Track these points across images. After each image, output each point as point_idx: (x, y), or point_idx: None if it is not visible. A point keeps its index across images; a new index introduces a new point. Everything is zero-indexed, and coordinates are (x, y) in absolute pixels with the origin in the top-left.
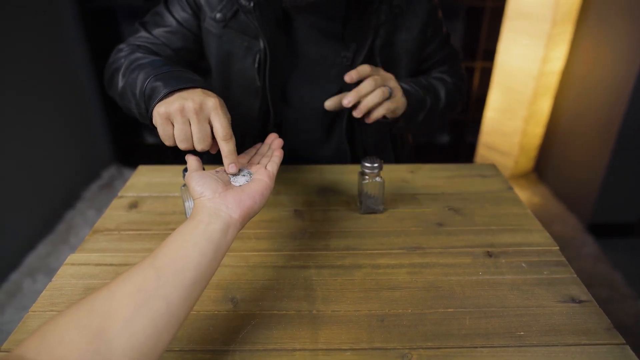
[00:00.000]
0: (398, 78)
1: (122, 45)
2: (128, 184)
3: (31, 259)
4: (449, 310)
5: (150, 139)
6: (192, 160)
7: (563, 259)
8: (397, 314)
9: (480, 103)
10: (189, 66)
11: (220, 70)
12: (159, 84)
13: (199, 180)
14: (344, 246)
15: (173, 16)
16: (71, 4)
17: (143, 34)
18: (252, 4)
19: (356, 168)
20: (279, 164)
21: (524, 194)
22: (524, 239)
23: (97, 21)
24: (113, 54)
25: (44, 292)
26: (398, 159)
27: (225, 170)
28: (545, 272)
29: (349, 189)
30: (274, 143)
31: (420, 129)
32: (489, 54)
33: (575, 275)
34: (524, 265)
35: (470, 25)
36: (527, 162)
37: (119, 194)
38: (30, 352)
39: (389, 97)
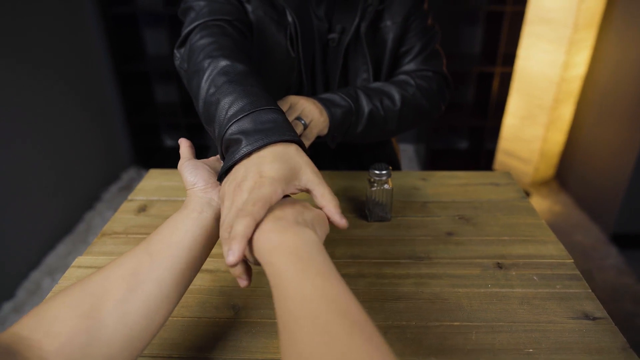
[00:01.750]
0: (382, 65)
1: (197, 28)
2: (138, 187)
3: (51, 259)
4: (455, 323)
5: (169, 142)
6: (185, 147)
7: (577, 272)
8: (400, 326)
9: (499, 109)
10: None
11: (258, 48)
12: (238, 135)
13: (192, 171)
14: (349, 254)
15: None
16: (94, 10)
17: (213, 5)
18: None
19: (366, 175)
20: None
21: (545, 203)
22: (536, 250)
23: (119, 26)
24: (193, 41)
25: (49, 294)
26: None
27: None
28: (558, 286)
29: (359, 195)
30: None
31: (369, 137)
32: (509, 59)
33: (590, 290)
34: (535, 278)
35: (489, 29)
36: (547, 169)
37: (129, 197)
38: (25, 329)
39: (305, 127)
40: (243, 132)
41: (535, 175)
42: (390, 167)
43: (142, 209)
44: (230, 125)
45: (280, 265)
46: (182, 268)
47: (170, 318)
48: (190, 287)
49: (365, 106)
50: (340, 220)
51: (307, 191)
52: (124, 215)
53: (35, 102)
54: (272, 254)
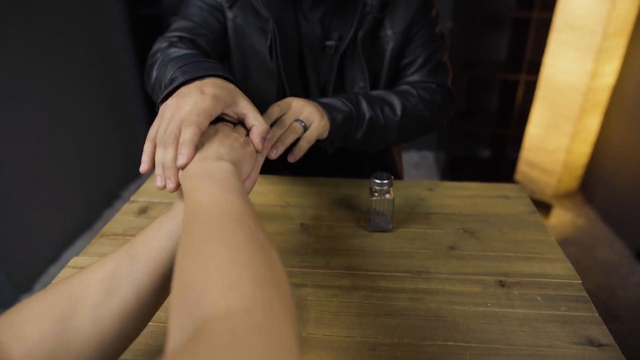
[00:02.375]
0: (380, 75)
1: (160, 39)
2: (141, 188)
3: (69, 254)
4: (449, 343)
5: None
6: None
7: (584, 294)
8: (391, 344)
9: (523, 118)
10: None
11: (239, 56)
12: (177, 74)
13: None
14: (345, 265)
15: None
16: (120, 11)
17: (180, 23)
18: None
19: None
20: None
21: (567, 216)
22: (542, 269)
23: (144, 27)
24: (153, 49)
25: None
26: (385, 167)
27: None
28: (562, 308)
29: (363, 204)
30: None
31: (369, 144)
32: (534, 67)
33: (597, 314)
34: (539, 298)
35: (515, 36)
36: (571, 181)
37: (132, 198)
38: None
39: (305, 130)
40: (185, 72)
41: (558, 187)
42: (392, 177)
43: (143, 210)
44: (174, 71)
45: (194, 181)
46: (163, 273)
47: (157, 324)
48: None
49: (366, 112)
50: (259, 144)
51: (243, 117)
52: (124, 217)
53: (59, 99)
54: (188, 177)
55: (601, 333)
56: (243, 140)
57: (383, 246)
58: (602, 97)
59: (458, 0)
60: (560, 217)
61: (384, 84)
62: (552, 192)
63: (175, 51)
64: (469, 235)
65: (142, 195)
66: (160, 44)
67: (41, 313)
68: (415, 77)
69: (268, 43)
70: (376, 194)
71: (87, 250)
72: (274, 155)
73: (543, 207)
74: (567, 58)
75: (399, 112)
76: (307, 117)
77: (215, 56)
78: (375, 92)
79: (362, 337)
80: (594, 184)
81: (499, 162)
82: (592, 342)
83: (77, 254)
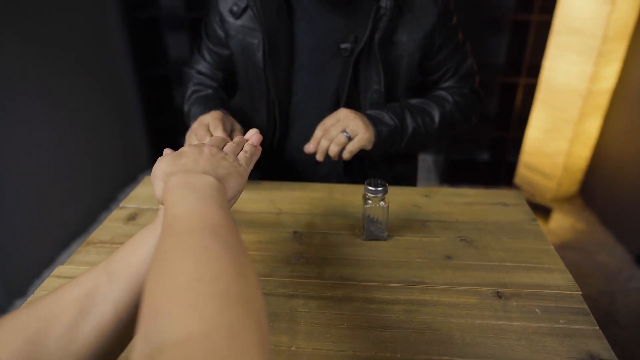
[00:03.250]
0: (397, 80)
1: (189, 70)
2: (131, 194)
3: (64, 257)
4: (444, 357)
5: None
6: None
7: (585, 306)
8: (384, 358)
9: (522, 121)
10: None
11: (242, 70)
12: (197, 111)
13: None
14: (338, 275)
15: (213, 35)
16: (118, 13)
17: (199, 65)
18: None
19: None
20: (251, 156)
21: (567, 220)
22: (541, 279)
23: (141, 30)
24: (185, 76)
25: (23, 305)
26: (398, 181)
27: None
28: (561, 321)
29: (356, 211)
30: (252, 138)
31: (408, 149)
32: (534, 70)
33: (597, 328)
34: (537, 310)
35: (514, 39)
36: (571, 185)
37: (121, 204)
38: None
39: (348, 141)
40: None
41: (558, 191)
42: (387, 184)
43: (132, 217)
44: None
45: (175, 193)
46: (141, 291)
47: None
48: None
49: (410, 125)
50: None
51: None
52: (112, 224)
53: (56, 102)
54: (170, 190)
55: (602, 347)
56: (232, 159)
57: (377, 255)
58: (602, 100)
59: (457, 3)
60: (560, 221)
61: (401, 90)
62: (551, 196)
63: (196, 98)
64: (466, 243)
65: (132, 201)
66: (189, 89)
67: (11, 334)
68: (448, 84)
69: (261, 54)
70: (370, 202)
71: (73, 259)
72: (319, 157)
73: (543, 210)
74: (567, 61)
75: (437, 120)
76: (352, 129)
77: (230, 77)
78: (415, 101)
79: (354, 351)
80: (594, 188)
81: (499, 166)
82: (592, 357)
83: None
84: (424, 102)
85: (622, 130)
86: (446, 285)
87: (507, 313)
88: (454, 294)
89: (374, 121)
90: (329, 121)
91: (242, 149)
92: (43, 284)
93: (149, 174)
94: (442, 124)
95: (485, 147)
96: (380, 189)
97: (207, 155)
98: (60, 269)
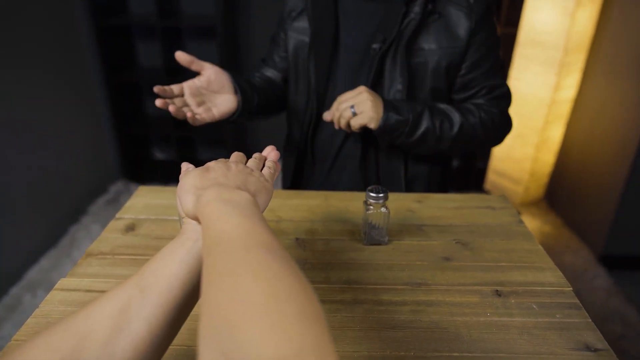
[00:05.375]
0: (421, 85)
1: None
2: (127, 205)
3: (33, 273)
4: (454, 354)
5: (158, 155)
6: (185, 171)
7: (577, 301)
8: (398, 356)
9: None
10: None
11: (292, 64)
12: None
13: None
14: (345, 279)
15: (278, 41)
16: (87, 20)
17: (261, 64)
18: None
19: (363, 196)
20: (274, 172)
21: (534, 223)
22: (535, 277)
23: (112, 38)
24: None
25: (29, 319)
26: (408, 187)
27: None
28: (557, 315)
29: (355, 217)
30: (270, 154)
31: (418, 148)
32: None
33: (590, 320)
34: (534, 306)
35: None
36: (537, 189)
37: (117, 215)
38: None
39: (352, 115)
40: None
41: (526, 196)
42: (387, 190)
43: (131, 228)
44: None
45: (214, 208)
46: (175, 304)
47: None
48: None
49: (424, 124)
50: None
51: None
52: (111, 235)
53: (23, 111)
54: (207, 204)
55: (596, 338)
56: (258, 174)
57: (380, 259)
58: (565, 108)
59: None
60: (528, 224)
61: (424, 96)
62: (519, 200)
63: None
64: (462, 246)
65: (128, 212)
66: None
67: (48, 353)
68: (479, 101)
69: (307, 50)
70: (371, 207)
71: (75, 271)
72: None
73: None
74: (532, 72)
75: (456, 128)
76: (359, 106)
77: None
78: (441, 105)
79: (369, 351)
80: (558, 192)
81: (469, 172)
82: (588, 348)
83: (42, 273)
84: (449, 108)
85: (583, 137)
86: (448, 285)
87: (508, 310)
88: (456, 294)
89: (388, 107)
90: (345, 95)
91: (263, 164)
92: (47, 298)
93: (121, 185)
94: (459, 134)
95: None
96: (381, 195)
97: (234, 171)
98: (63, 282)
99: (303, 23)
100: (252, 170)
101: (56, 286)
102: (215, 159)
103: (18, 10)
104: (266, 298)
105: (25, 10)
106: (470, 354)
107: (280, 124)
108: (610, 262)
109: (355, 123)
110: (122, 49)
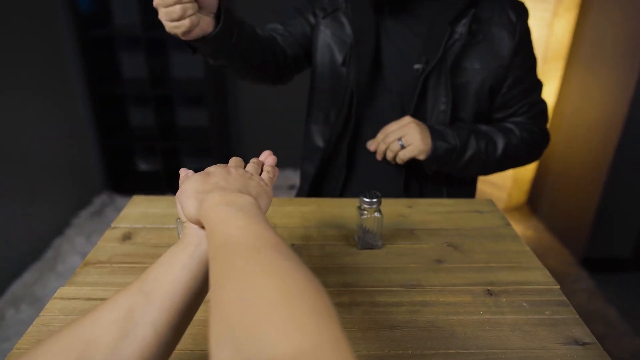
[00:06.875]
0: (465, 105)
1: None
2: (122, 214)
3: (16, 287)
4: (450, 351)
5: (143, 166)
6: (184, 177)
7: (564, 298)
8: (397, 355)
9: None
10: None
11: (319, 62)
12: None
13: None
14: (341, 283)
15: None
16: (70, 31)
17: (276, 25)
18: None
19: (355, 202)
20: (273, 177)
21: (517, 227)
22: (524, 277)
23: (95, 49)
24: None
25: (30, 327)
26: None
27: None
28: (547, 312)
29: (348, 223)
30: (267, 159)
31: (464, 172)
32: None
33: (578, 316)
34: (525, 304)
35: None
36: (520, 195)
37: (113, 224)
38: None
39: (401, 149)
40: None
41: (509, 201)
42: (380, 195)
43: (127, 237)
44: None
45: (219, 211)
46: (180, 308)
47: None
48: None
49: (470, 149)
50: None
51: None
52: (107, 244)
53: (5, 121)
54: (211, 208)
55: (583, 333)
56: (257, 179)
57: (375, 262)
58: None
59: None
60: None
61: (467, 116)
62: (503, 206)
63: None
64: (452, 248)
65: (123, 221)
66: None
67: (54, 359)
68: (519, 119)
69: (343, 56)
70: (365, 212)
71: (73, 280)
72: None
73: None
74: None
75: (500, 150)
76: (408, 139)
77: (290, 54)
78: (484, 128)
79: (369, 351)
80: (540, 197)
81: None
82: (577, 342)
83: (25, 287)
84: (491, 129)
85: (563, 143)
86: (441, 286)
87: (499, 308)
88: (449, 294)
89: (435, 135)
90: (391, 127)
91: (261, 169)
92: (47, 307)
93: (105, 197)
94: (504, 156)
95: None
96: (375, 200)
97: (235, 175)
98: (62, 291)
99: (335, 24)
100: (252, 174)
101: (55, 295)
102: (201, 169)
103: (1, 20)
104: (280, 295)
105: (9, 21)
106: (465, 351)
107: (265, 134)
108: (592, 264)
109: (405, 156)
110: (106, 60)
